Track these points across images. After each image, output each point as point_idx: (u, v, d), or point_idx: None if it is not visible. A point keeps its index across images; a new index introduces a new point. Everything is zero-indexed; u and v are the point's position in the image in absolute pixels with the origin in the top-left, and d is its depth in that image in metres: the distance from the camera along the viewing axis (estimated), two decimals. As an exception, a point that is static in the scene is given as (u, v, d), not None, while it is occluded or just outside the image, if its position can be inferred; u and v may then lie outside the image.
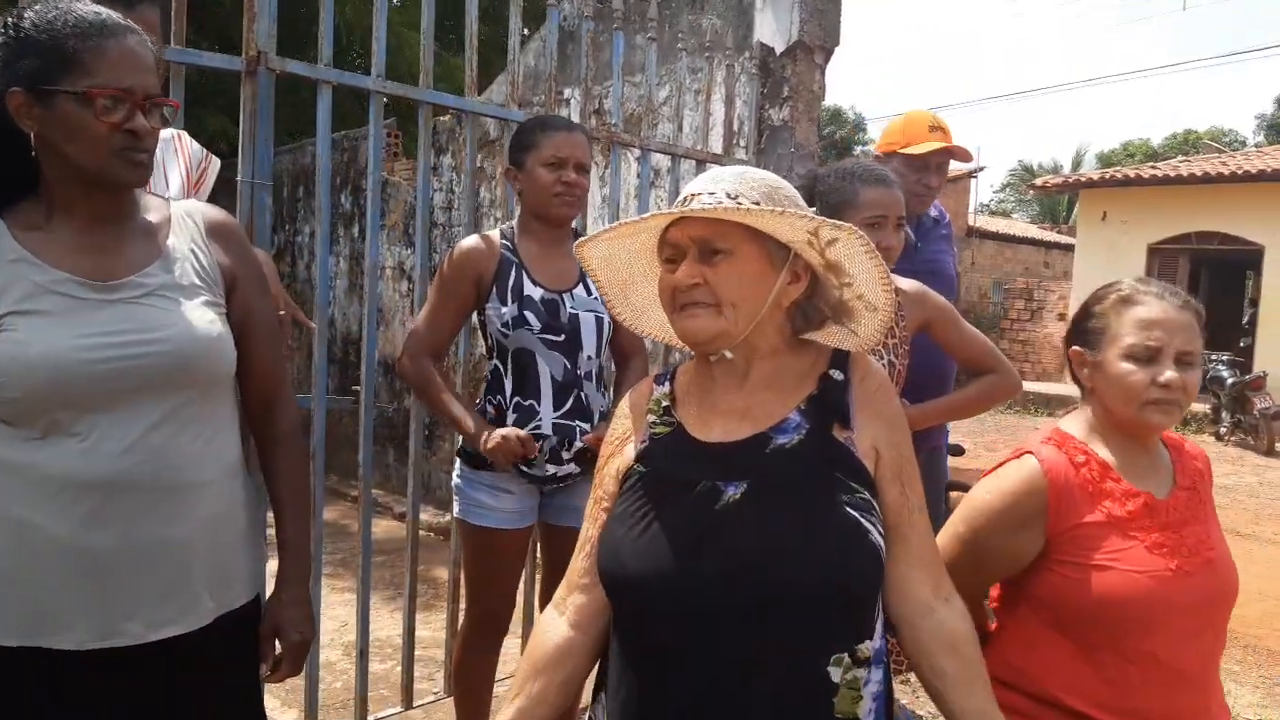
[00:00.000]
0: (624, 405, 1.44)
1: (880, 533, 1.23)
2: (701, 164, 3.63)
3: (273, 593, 1.63)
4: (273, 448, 1.65)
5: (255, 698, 1.67)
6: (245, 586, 1.58)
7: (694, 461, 1.28)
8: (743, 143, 3.96)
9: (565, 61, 4.96)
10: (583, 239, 1.36)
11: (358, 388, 2.78)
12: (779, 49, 3.95)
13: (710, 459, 1.27)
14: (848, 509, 1.21)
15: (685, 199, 1.27)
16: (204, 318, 1.47)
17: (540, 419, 2.39)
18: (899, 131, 2.97)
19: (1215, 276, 15.15)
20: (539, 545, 2.73)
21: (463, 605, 3.20)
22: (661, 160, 3.98)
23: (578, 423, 2.42)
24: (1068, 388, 14.84)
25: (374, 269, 2.79)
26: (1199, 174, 14.32)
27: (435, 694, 3.21)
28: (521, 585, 2.73)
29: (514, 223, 2.53)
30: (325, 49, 2.49)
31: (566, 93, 4.77)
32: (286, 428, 1.66)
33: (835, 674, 1.19)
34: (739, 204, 1.23)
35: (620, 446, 1.39)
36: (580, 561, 1.37)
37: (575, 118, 3.24)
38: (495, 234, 2.50)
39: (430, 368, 2.46)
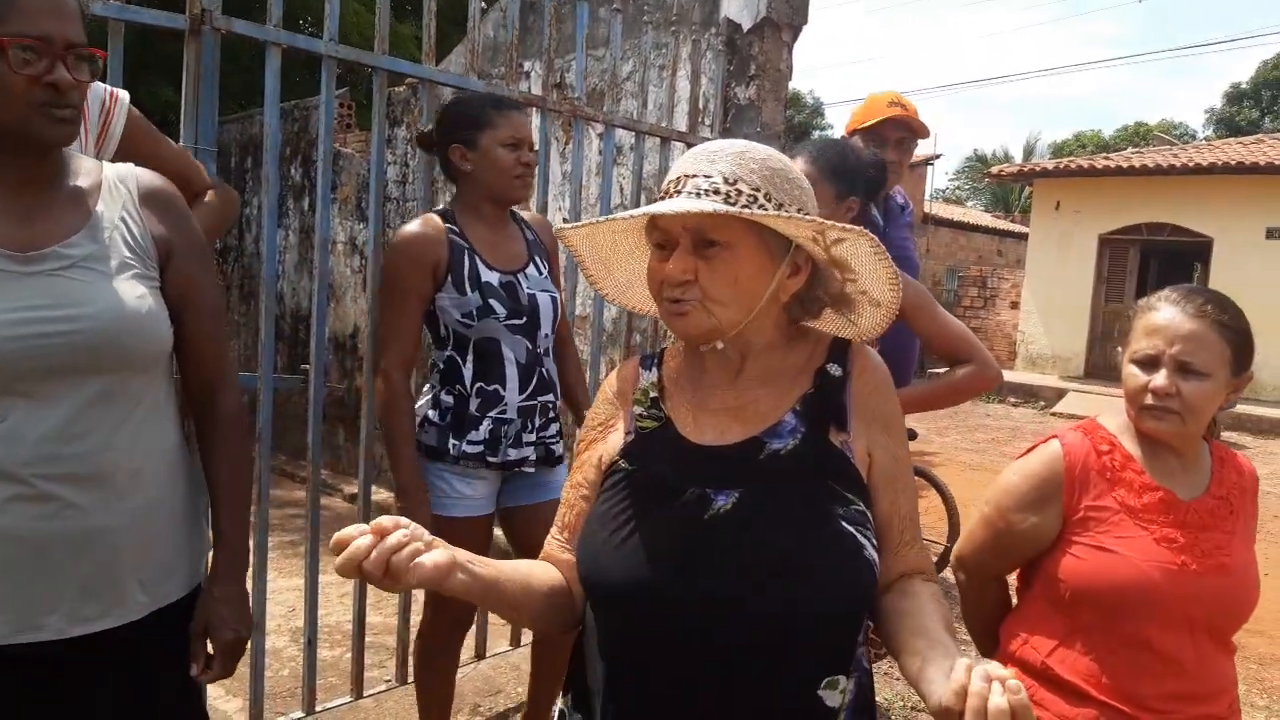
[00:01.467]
0: (608, 388, 1.34)
1: (874, 545, 1.15)
2: (666, 141, 3.55)
3: (205, 588, 1.52)
4: (212, 432, 1.54)
5: (194, 696, 1.58)
6: (184, 579, 1.49)
7: (683, 464, 1.18)
8: (708, 121, 3.88)
9: (527, 33, 4.84)
10: (565, 227, 1.26)
11: (306, 366, 2.66)
12: (746, 25, 3.87)
13: (700, 462, 1.18)
14: (843, 523, 1.12)
15: (678, 180, 1.16)
16: (132, 292, 1.35)
17: (505, 404, 2.36)
18: (861, 111, 2.99)
19: (1164, 267, 15.37)
20: (506, 534, 2.64)
21: (413, 593, 3.12)
22: (625, 137, 3.89)
23: (539, 399, 2.40)
24: (1020, 375, 15.09)
25: (324, 243, 2.67)
26: (1151, 165, 14.52)
27: (387, 682, 3.12)
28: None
29: (451, 204, 2.42)
30: (275, 9, 2.37)
31: (528, 65, 4.65)
32: (228, 411, 1.54)
33: (830, 698, 1.12)
34: (738, 192, 1.12)
35: (604, 433, 1.30)
36: (556, 535, 1.31)
37: (537, 91, 3.14)
38: (435, 218, 2.36)
39: (408, 390, 2.35)
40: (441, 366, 2.40)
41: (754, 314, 1.17)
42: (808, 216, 1.14)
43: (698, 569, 1.10)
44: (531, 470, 2.46)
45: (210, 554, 1.54)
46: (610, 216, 1.21)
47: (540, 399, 2.41)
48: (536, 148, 2.44)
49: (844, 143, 2.43)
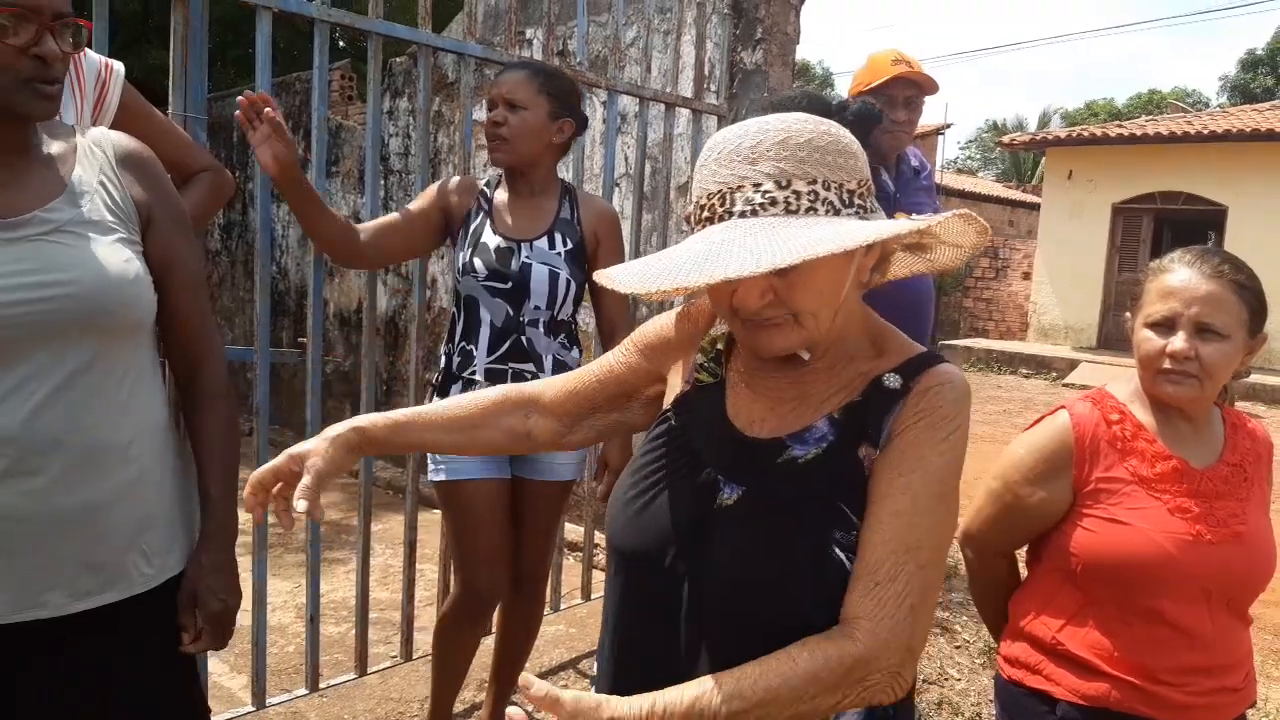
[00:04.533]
0: (679, 313, 1.26)
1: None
2: (671, 108, 3.47)
3: (192, 556, 1.47)
4: (197, 402, 1.50)
5: (191, 669, 1.54)
6: (184, 552, 1.47)
7: (713, 440, 1.13)
8: (714, 86, 3.80)
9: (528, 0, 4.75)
10: (613, 268, 1.06)
11: (304, 339, 2.62)
12: (752, -11, 3.77)
13: (726, 445, 1.11)
14: (835, 549, 1.01)
15: (722, 196, 0.99)
16: (119, 256, 1.32)
17: (475, 364, 2.38)
18: (864, 72, 2.87)
19: (1178, 236, 15.18)
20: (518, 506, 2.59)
21: (419, 569, 3.10)
22: (629, 104, 3.81)
23: (511, 365, 2.37)
24: (1031, 346, 15.00)
25: (322, 214, 2.60)
26: (1164, 133, 14.35)
27: (393, 658, 3.10)
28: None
29: (500, 172, 2.48)
30: (265, -28, 2.30)
31: (529, 33, 4.56)
32: (212, 381, 1.50)
33: None
34: (795, 194, 0.96)
35: (675, 349, 1.25)
36: (570, 395, 1.32)
37: (538, 57, 3.06)
38: (477, 180, 2.50)
39: (348, 225, 2.34)
40: (451, 324, 2.48)
41: (840, 309, 1.06)
42: (883, 224, 0.98)
43: (687, 555, 1.07)
44: None
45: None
46: (661, 283, 0.96)
47: (513, 365, 2.37)
48: (520, 103, 2.32)
49: (819, 97, 2.31)
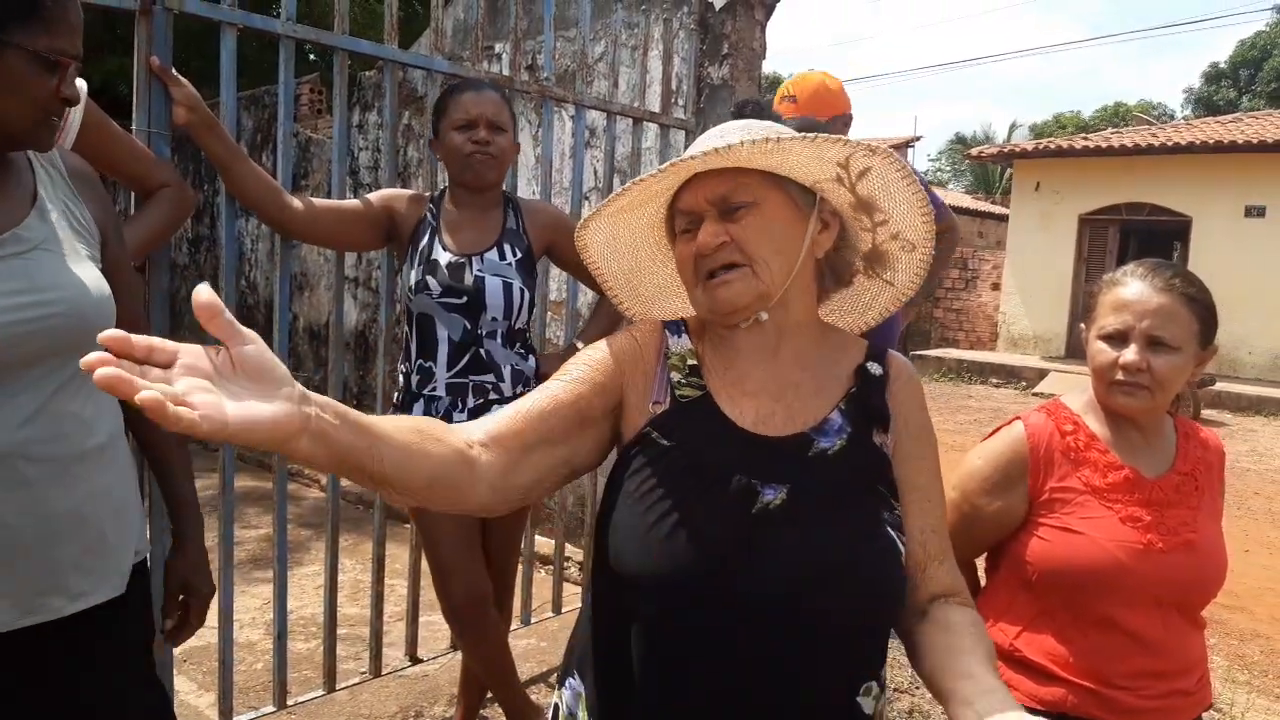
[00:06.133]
0: (627, 334, 1.21)
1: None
2: (638, 122, 3.50)
3: (175, 550, 1.61)
4: (149, 422, 1.51)
5: (149, 652, 1.61)
6: (140, 545, 1.53)
7: (727, 447, 1.11)
8: (681, 101, 3.83)
9: (496, 14, 4.77)
10: (589, 216, 1.19)
11: (271, 354, 2.61)
12: (718, 4, 3.81)
13: (746, 449, 1.11)
14: (888, 529, 1.09)
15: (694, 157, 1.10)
16: (91, 272, 1.36)
17: (435, 380, 2.38)
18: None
19: (1144, 247, 15.41)
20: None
21: (389, 584, 3.08)
22: (597, 118, 3.83)
23: (471, 378, 2.38)
24: (1001, 355, 15.14)
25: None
26: (1130, 145, 14.57)
27: (362, 674, 3.08)
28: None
29: (445, 189, 2.49)
30: (230, -12, 2.30)
31: (497, 47, 4.58)
32: None
33: (866, 705, 1.10)
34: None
35: (629, 366, 1.17)
36: (513, 423, 1.11)
37: (505, 73, 3.08)
38: (426, 195, 2.50)
39: (270, 182, 2.29)
40: (404, 343, 2.47)
41: (794, 274, 1.13)
42: (835, 138, 1.08)
43: (746, 565, 1.04)
44: None
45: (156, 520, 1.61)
46: (631, 183, 1.13)
47: (474, 378, 2.38)
48: (503, 125, 2.39)
49: (762, 102, 2.28)
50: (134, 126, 2.17)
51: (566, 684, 1.21)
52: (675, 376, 1.17)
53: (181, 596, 1.61)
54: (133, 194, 2.09)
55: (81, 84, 1.81)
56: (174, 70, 2.13)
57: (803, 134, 1.07)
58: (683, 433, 1.13)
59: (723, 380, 1.16)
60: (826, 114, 2.67)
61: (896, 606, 1.12)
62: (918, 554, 1.15)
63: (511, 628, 2.98)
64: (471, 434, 1.09)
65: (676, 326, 1.22)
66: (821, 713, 1.07)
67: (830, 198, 1.16)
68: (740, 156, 1.07)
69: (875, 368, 1.19)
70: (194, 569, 1.60)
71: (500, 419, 1.13)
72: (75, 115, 1.78)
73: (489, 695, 2.77)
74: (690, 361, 1.18)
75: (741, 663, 1.04)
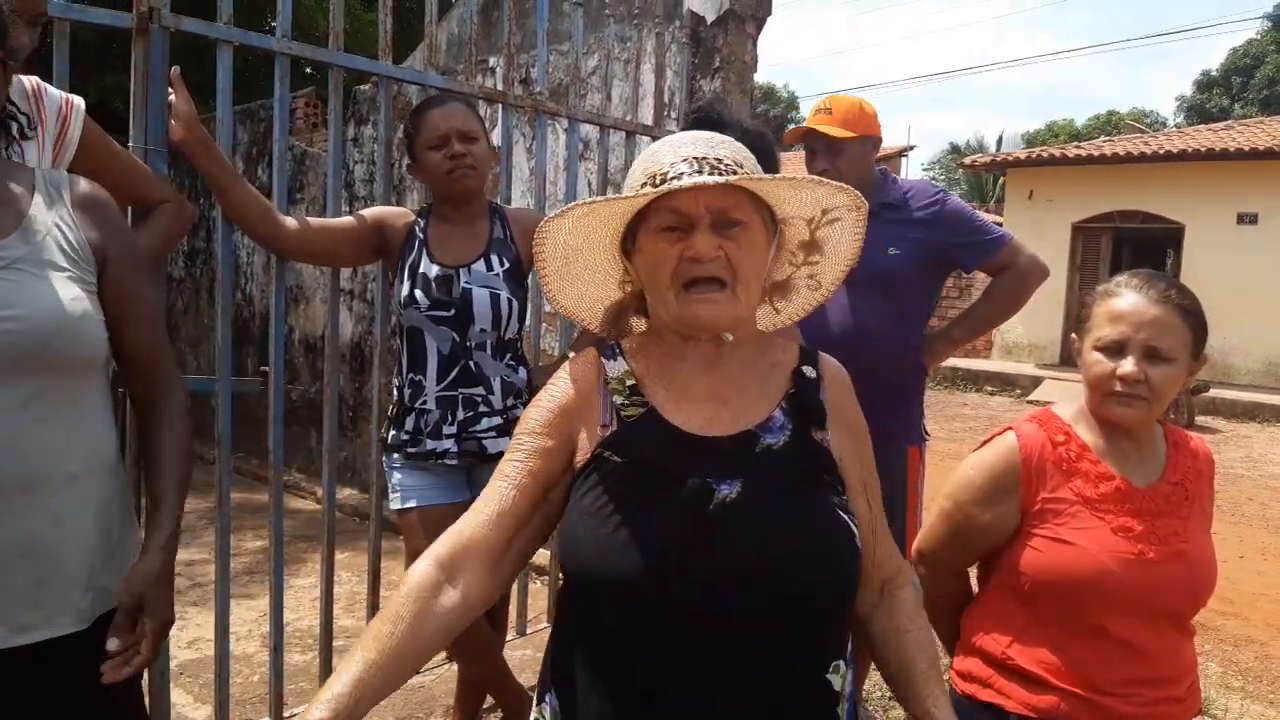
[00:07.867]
0: (562, 388, 1.24)
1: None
2: (631, 135, 3.52)
3: (140, 562, 1.39)
4: (155, 432, 1.50)
5: (137, 693, 1.54)
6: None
7: (678, 452, 1.16)
8: (674, 114, 3.85)
9: (490, 29, 4.80)
10: (559, 211, 1.19)
11: (267, 368, 2.63)
12: (710, 18, 3.85)
13: (696, 452, 1.16)
14: (840, 513, 1.16)
15: (689, 161, 1.13)
16: (67, 295, 1.33)
17: (426, 393, 2.39)
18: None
19: (1137, 254, 15.49)
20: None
21: (384, 596, 3.08)
22: (590, 131, 3.86)
23: (461, 390, 2.38)
24: (996, 363, 15.16)
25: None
26: (1122, 153, 14.62)
27: (357, 686, 3.07)
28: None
29: (426, 204, 2.52)
30: (225, 7, 2.32)
31: (491, 61, 4.61)
32: (171, 413, 1.51)
33: (836, 681, 1.14)
34: (746, 173, 1.15)
35: (573, 413, 1.21)
36: (488, 531, 1.16)
37: (499, 87, 3.10)
38: (412, 212, 2.50)
39: (260, 198, 2.29)
40: (398, 358, 2.48)
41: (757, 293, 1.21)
42: (842, 186, 1.18)
43: (707, 555, 1.08)
44: (454, 463, 2.40)
45: (144, 534, 1.44)
46: (617, 197, 1.16)
47: (462, 390, 2.38)
48: (475, 134, 2.38)
49: (723, 112, 2.20)
50: (131, 144, 2.19)
51: (546, 700, 1.23)
52: (618, 400, 1.21)
53: (135, 617, 1.36)
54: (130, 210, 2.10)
55: (79, 102, 1.82)
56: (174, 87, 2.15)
57: (783, 176, 1.16)
58: (634, 448, 1.17)
59: (667, 391, 1.21)
60: (858, 131, 2.72)
61: (854, 582, 1.18)
62: (868, 541, 1.24)
63: (507, 638, 2.99)
64: (451, 556, 1.15)
65: (611, 351, 1.27)
66: (796, 693, 1.10)
67: (788, 231, 1.23)
68: (763, 183, 1.14)
69: (810, 371, 1.27)
70: (153, 581, 1.36)
71: (476, 526, 1.17)
72: (74, 132, 1.77)
73: (485, 706, 2.77)
74: (629, 382, 1.23)
75: (712, 654, 1.07)
